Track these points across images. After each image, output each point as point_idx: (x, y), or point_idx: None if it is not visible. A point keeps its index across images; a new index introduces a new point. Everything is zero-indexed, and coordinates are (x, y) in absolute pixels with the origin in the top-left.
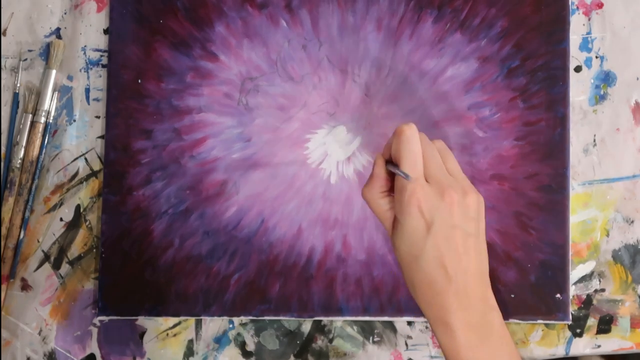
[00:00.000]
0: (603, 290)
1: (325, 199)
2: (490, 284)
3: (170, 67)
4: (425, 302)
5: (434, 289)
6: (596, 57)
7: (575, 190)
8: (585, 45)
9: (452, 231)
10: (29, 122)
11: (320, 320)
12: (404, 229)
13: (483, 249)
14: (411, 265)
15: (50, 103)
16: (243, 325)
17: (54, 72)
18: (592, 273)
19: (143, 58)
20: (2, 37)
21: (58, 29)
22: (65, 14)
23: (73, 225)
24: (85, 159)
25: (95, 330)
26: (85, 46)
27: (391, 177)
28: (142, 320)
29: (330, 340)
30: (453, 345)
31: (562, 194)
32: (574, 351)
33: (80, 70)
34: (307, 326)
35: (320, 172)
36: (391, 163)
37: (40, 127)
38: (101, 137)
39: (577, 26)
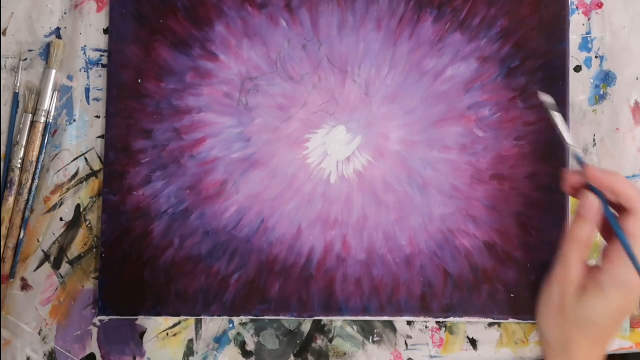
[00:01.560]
0: None
1: (325, 199)
2: None
3: (170, 67)
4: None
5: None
6: (596, 57)
7: None
8: (585, 45)
9: None
10: (29, 122)
11: (320, 320)
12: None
13: None
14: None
15: (50, 103)
16: (243, 325)
17: (54, 72)
18: None
19: (143, 58)
20: (2, 37)
21: (58, 29)
22: (65, 14)
23: (73, 225)
24: (85, 158)
25: (95, 330)
26: (85, 46)
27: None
28: (142, 320)
29: (330, 340)
30: None
31: (562, 194)
32: None
33: (80, 70)
34: (307, 326)
35: (320, 172)
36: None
37: (40, 127)
38: (101, 137)
39: (577, 26)
